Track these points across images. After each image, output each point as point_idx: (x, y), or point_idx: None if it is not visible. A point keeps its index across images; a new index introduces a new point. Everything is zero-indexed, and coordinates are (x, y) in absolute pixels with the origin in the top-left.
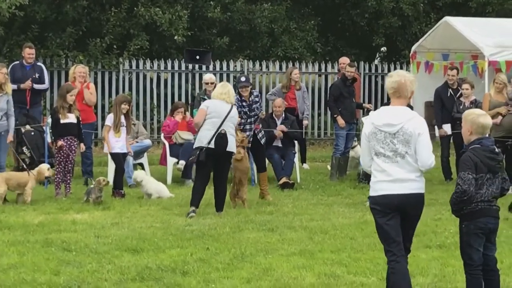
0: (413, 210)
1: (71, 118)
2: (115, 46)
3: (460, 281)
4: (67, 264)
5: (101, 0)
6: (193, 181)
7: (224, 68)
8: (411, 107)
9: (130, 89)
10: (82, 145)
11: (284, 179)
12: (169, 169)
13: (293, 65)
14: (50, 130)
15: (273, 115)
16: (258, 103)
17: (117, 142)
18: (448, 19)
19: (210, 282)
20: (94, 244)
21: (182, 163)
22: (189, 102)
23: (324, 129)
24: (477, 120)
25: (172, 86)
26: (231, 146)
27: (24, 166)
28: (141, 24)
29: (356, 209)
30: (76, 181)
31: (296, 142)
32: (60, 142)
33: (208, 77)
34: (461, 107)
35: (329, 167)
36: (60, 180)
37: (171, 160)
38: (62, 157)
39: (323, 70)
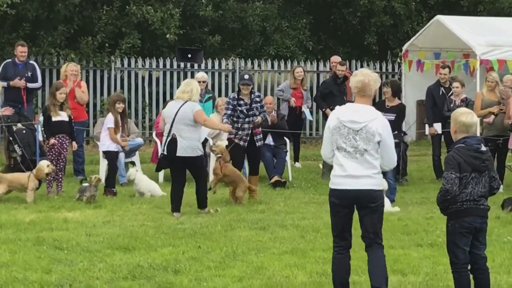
0: (368, 204)
1: (63, 116)
2: (107, 45)
3: (451, 280)
4: (58, 262)
5: None
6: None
7: (216, 67)
8: (404, 106)
9: (122, 87)
10: (74, 143)
11: (275, 178)
12: None
13: (285, 63)
14: (42, 128)
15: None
16: (259, 104)
17: (108, 140)
18: (440, 18)
19: (202, 280)
20: (85, 242)
21: None
22: None
23: (316, 128)
24: (459, 118)
25: (164, 85)
26: (182, 151)
27: (21, 165)
28: (133, 22)
29: None
30: (68, 179)
31: (288, 140)
32: (52, 140)
33: (200, 75)
34: (451, 105)
35: (321, 166)
36: (52, 178)
37: None
38: (53, 155)
39: (315, 69)
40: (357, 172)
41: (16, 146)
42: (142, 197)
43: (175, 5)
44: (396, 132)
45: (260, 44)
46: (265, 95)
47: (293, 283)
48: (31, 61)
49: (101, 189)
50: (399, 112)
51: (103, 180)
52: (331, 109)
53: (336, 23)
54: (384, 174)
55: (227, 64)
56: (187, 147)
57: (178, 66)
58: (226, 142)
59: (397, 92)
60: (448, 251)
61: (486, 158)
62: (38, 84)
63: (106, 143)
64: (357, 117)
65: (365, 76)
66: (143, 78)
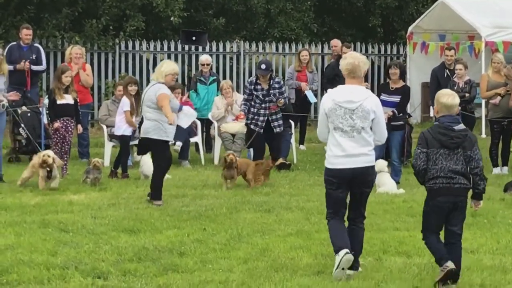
0: (365, 180)
1: (67, 99)
2: (111, 27)
3: None
4: (64, 244)
5: None
6: (189, 162)
7: (221, 49)
8: (408, 87)
9: (126, 70)
10: (79, 126)
11: (280, 160)
12: None
13: (290, 46)
14: (47, 111)
15: None
16: (278, 91)
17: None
18: None
19: (207, 262)
20: (91, 225)
21: (179, 144)
22: (185, 83)
23: None
24: (441, 99)
25: None
26: (145, 132)
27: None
28: (137, 5)
29: None
30: (73, 162)
31: (292, 123)
32: (56, 124)
33: (204, 58)
34: (455, 87)
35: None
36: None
37: None
38: (58, 139)
39: (319, 51)
40: (355, 151)
41: (21, 129)
42: (147, 180)
43: None
44: (401, 114)
45: (264, 27)
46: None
47: (298, 265)
48: (36, 44)
49: (106, 172)
50: (404, 94)
51: (106, 163)
52: None
53: (340, 5)
54: (389, 156)
55: (232, 47)
56: (150, 129)
57: (183, 48)
58: (235, 124)
59: (403, 74)
60: (422, 218)
61: (456, 135)
62: (43, 66)
63: (122, 127)
64: (352, 97)
65: (354, 58)
66: (147, 60)
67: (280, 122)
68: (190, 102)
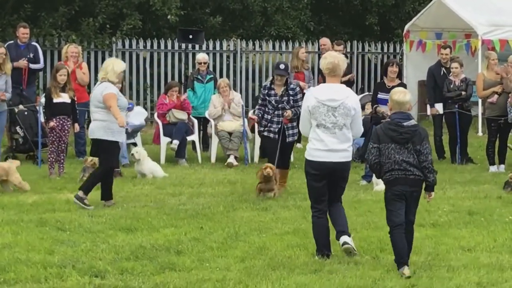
0: (342, 174)
1: (64, 98)
2: (108, 26)
3: (454, 259)
4: (61, 243)
5: None
6: (186, 161)
7: (217, 48)
8: (405, 86)
9: None
10: (76, 125)
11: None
12: (162, 149)
13: (286, 44)
14: (43, 110)
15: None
16: (292, 98)
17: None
18: None
19: (204, 261)
20: (88, 223)
21: (176, 142)
22: (182, 82)
23: None
24: (393, 97)
25: (165, 66)
26: (91, 133)
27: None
28: (134, 3)
29: (349, 188)
30: (70, 160)
31: None
32: (51, 123)
33: (201, 56)
34: (451, 86)
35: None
36: (53, 159)
37: (164, 140)
38: (55, 137)
39: (316, 50)
40: (336, 146)
41: (18, 128)
42: (144, 178)
43: None
44: None
45: (261, 25)
46: (267, 76)
47: (295, 263)
48: (33, 43)
49: None
50: None
51: None
52: None
53: (337, 3)
54: None
55: (228, 45)
56: (96, 129)
57: (179, 47)
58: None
59: (399, 73)
60: (386, 217)
61: (405, 131)
62: (40, 65)
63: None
64: (335, 95)
65: (334, 57)
66: (144, 59)
67: (295, 131)
68: (187, 100)
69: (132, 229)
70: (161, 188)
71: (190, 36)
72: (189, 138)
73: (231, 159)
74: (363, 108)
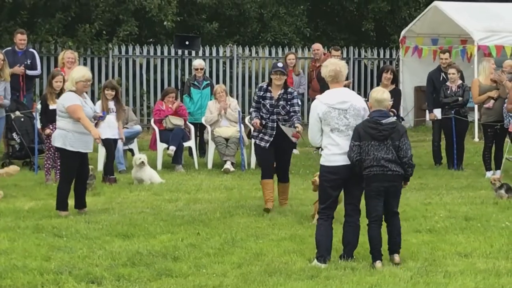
0: (359, 177)
1: None
2: (104, 32)
3: (450, 265)
4: (58, 249)
5: None
6: (183, 167)
7: (214, 54)
8: (399, 90)
9: (120, 75)
10: None
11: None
12: (159, 155)
13: (283, 50)
14: (40, 116)
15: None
16: (289, 102)
17: (105, 128)
18: (437, 3)
19: (201, 267)
20: (85, 229)
21: (173, 148)
22: (179, 88)
23: None
24: (372, 95)
25: (162, 72)
26: (52, 139)
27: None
28: (130, 9)
29: None
30: None
31: None
32: (47, 130)
33: (197, 63)
34: (448, 92)
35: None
36: (50, 166)
37: (161, 146)
38: (51, 144)
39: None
40: None
41: (14, 134)
42: (141, 185)
43: None
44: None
45: (257, 31)
46: (263, 81)
47: (292, 269)
48: (31, 49)
49: (99, 177)
50: (395, 96)
51: (100, 168)
52: None
53: (333, 10)
54: None
55: (225, 51)
56: (56, 137)
57: (176, 53)
58: (228, 129)
59: (395, 79)
60: (365, 208)
61: (383, 128)
62: (38, 71)
63: (103, 130)
64: (343, 98)
65: (336, 65)
66: (140, 65)
67: (294, 142)
68: (184, 106)
69: (128, 235)
70: (157, 194)
71: (187, 42)
72: (185, 144)
73: (228, 165)
74: None
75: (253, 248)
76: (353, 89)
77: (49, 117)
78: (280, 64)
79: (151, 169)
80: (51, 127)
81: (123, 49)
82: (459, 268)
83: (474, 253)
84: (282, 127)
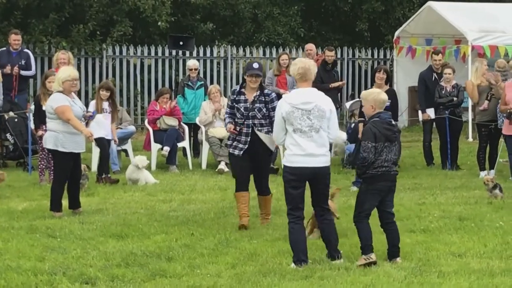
0: (322, 179)
1: None
2: (98, 32)
3: (444, 265)
4: (52, 250)
5: None
6: (177, 167)
7: (208, 54)
8: (394, 91)
9: (114, 75)
10: None
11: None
12: (153, 155)
13: (277, 50)
14: (33, 117)
15: None
16: (264, 104)
17: (95, 127)
18: (431, 4)
19: (195, 267)
20: (78, 230)
21: (167, 149)
22: (173, 88)
23: None
24: (378, 97)
25: (156, 72)
26: (44, 141)
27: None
28: (124, 10)
29: (340, 194)
30: None
31: None
32: (40, 132)
33: (191, 63)
34: (442, 92)
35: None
36: (44, 166)
37: (155, 146)
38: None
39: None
40: (314, 151)
41: (8, 135)
42: (135, 185)
43: None
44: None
45: (251, 31)
46: None
47: (286, 270)
48: (26, 50)
49: (93, 178)
50: (392, 96)
51: (94, 168)
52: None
53: (327, 10)
54: None
55: (219, 52)
56: (47, 139)
57: (170, 53)
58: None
59: (389, 79)
60: (356, 202)
61: (396, 130)
62: (32, 72)
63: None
64: (307, 98)
65: (304, 63)
66: (134, 66)
67: (274, 152)
68: (178, 107)
69: (122, 235)
70: (152, 195)
71: (181, 43)
72: (179, 145)
73: (222, 166)
74: (353, 114)
75: (247, 248)
76: (347, 89)
77: (42, 117)
78: (256, 65)
79: (146, 170)
80: (44, 128)
81: (117, 49)
82: (453, 268)
83: (468, 253)
84: (259, 133)
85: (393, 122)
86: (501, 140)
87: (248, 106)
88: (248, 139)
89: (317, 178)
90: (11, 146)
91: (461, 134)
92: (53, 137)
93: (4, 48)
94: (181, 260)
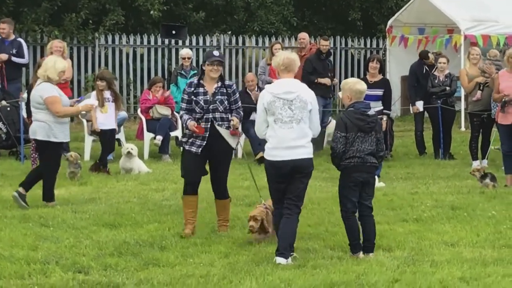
0: (304, 171)
1: None
2: (90, 21)
3: (437, 254)
4: (44, 239)
5: None
6: (170, 156)
7: (201, 43)
8: (387, 80)
9: (106, 64)
10: None
11: (261, 154)
12: (146, 145)
13: (270, 39)
14: (25, 106)
15: (247, 90)
16: (226, 98)
17: (105, 118)
18: None
19: (188, 256)
20: (71, 219)
21: (159, 138)
22: (166, 77)
23: None
24: (354, 87)
25: (148, 61)
26: (32, 132)
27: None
28: None
29: (333, 183)
30: None
31: None
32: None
33: (184, 52)
34: (436, 81)
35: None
36: (36, 155)
37: (148, 136)
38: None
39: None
40: (294, 143)
41: (0, 124)
42: (128, 174)
43: None
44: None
45: (244, 20)
46: (250, 71)
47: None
48: (18, 39)
49: (86, 166)
50: (385, 86)
51: (86, 157)
52: (316, 88)
53: None
54: None
55: (212, 41)
56: (37, 130)
57: (163, 42)
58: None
59: (382, 68)
60: (339, 201)
61: (371, 120)
62: (25, 60)
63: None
64: (289, 88)
65: (289, 55)
66: (127, 54)
67: (239, 144)
68: (171, 96)
69: (115, 225)
70: (144, 184)
71: (173, 32)
72: (172, 134)
73: None
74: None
75: (240, 237)
76: (339, 78)
77: None
78: (216, 53)
79: (139, 159)
80: None
81: (110, 38)
82: (445, 257)
83: (461, 242)
84: (219, 128)
85: (369, 112)
86: (494, 129)
87: (209, 98)
88: (207, 135)
89: (297, 171)
90: (3, 135)
91: (453, 123)
92: (45, 128)
93: None
94: (174, 249)
